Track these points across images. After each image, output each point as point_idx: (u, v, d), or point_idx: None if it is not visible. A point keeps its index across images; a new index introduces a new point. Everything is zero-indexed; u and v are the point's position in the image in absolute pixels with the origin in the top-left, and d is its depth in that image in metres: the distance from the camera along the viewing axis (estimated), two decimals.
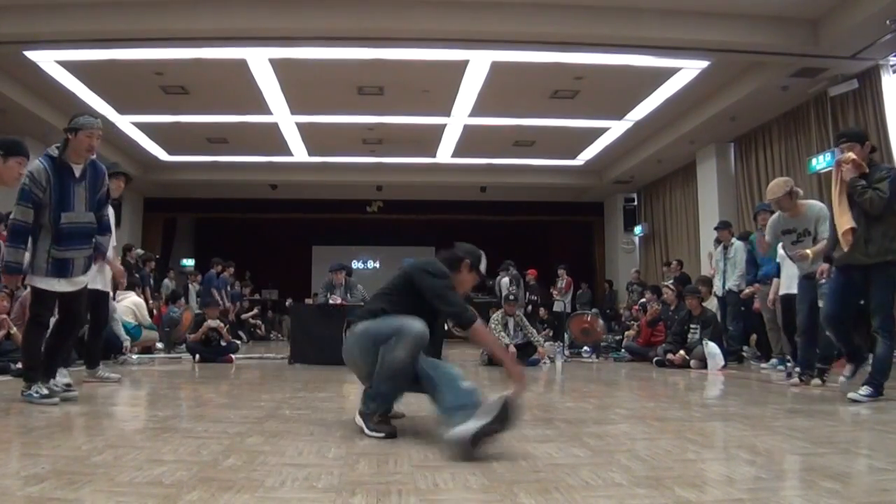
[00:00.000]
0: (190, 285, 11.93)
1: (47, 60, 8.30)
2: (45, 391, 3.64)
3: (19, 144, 3.48)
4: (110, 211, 4.41)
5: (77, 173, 3.76)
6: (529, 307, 11.37)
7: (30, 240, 3.67)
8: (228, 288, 11.70)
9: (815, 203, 5.12)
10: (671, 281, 9.08)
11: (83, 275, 3.87)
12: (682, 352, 6.91)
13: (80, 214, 3.77)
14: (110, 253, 4.70)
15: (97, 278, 4.61)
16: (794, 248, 4.96)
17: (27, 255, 3.66)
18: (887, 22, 6.49)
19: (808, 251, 4.75)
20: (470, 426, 2.29)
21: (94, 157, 3.88)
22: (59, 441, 2.60)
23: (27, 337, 3.85)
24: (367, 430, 2.72)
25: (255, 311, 13.77)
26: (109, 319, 6.89)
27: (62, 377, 4.16)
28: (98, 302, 4.84)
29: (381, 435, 2.66)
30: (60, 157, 3.72)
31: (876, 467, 2.24)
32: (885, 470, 2.19)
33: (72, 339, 4.17)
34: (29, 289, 6.09)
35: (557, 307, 11.62)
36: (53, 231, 3.66)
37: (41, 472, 2.00)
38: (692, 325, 7.07)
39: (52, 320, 3.96)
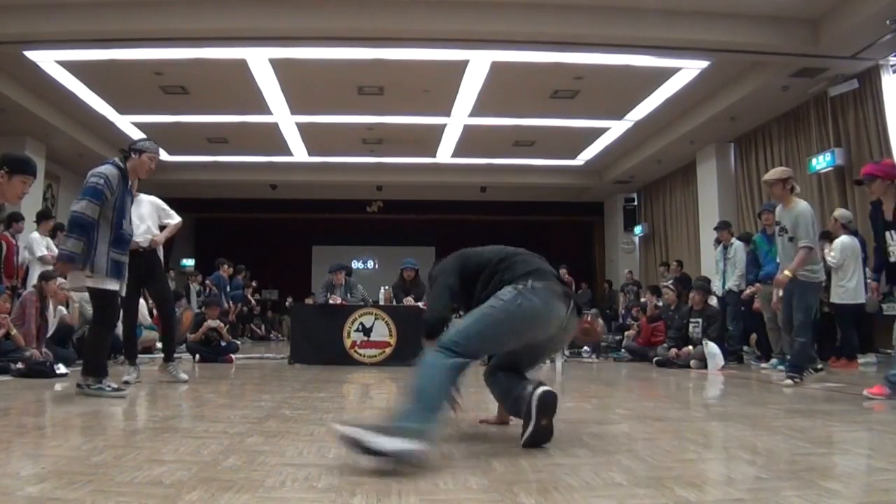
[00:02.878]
0: (190, 285, 11.94)
1: (47, 60, 8.30)
2: (115, 385, 3.91)
3: (27, 163, 3.49)
4: None
5: (128, 187, 4.09)
6: None
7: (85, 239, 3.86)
8: (228, 288, 11.71)
9: (801, 203, 5.08)
10: (671, 281, 9.07)
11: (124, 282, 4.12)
12: (689, 347, 6.88)
13: (128, 224, 4.11)
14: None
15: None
16: (778, 240, 5.19)
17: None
18: (887, 22, 6.49)
19: (787, 272, 4.82)
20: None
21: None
22: (59, 441, 2.60)
23: (99, 339, 4.05)
24: None
25: (254, 284, 13.56)
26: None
27: (129, 374, 4.73)
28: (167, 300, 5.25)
29: None
30: (125, 169, 4.04)
31: (876, 467, 2.24)
32: (885, 470, 2.19)
33: (110, 338, 4.38)
34: (31, 289, 6.14)
35: None
36: (114, 234, 3.91)
37: (41, 472, 2.00)
38: (692, 320, 7.05)
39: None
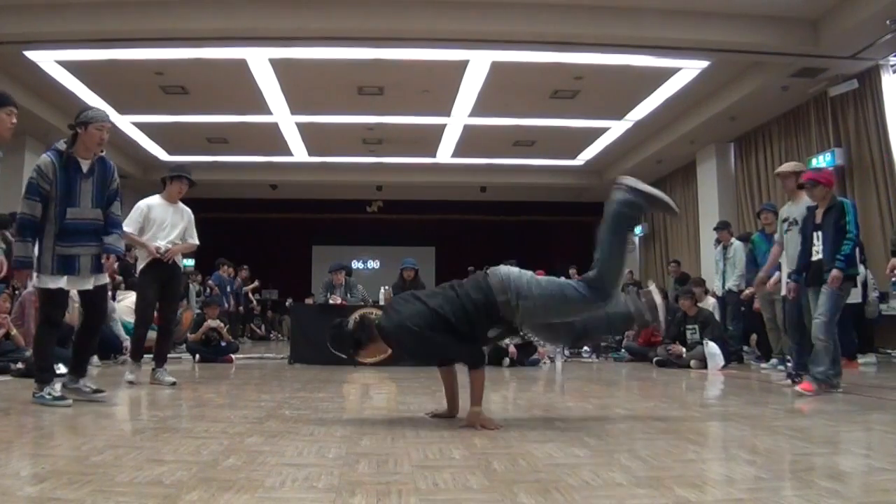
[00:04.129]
0: (191, 285, 11.91)
1: (47, 60, 8.31)
2: (58, 393, 3.61)
3: (4, 95, 3.47)
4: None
5: (84, 168, 3.72)
6: None
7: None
8: (229, 288, 11.70)
9: None
10: (653, 285, 9.08)
11: (93, 274, 3.77)
12: (682, 348, 6.90)
13: (85, 210, 3.69)
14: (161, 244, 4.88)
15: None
16: (786, 236, 5.19)
17: (35, 251, 3.62)
18: (887, 22, 6.50)
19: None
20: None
21: (103, 152, 3.85)
22: (59, 441, 2.60)
23: (39, 338, 3.79)
24: None
25: (257, 283, 13.50)
26: (109, 319, 6.92)
27: (131, 373, 4.64)
28: (173, 312, 5.21)
29: None
30: (68, 151, 3.67)
31: (876, 467, 2.24)
32: (885, 470, 2.19)
33: (97, 336, 4.19)
34: (32, 288, 6.13)
35: None
36: (58, 226, 3.60)
37: (41, 472, 2.00)
38: (688, 326, 7.06)
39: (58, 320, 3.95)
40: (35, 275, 3.64)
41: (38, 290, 3.82)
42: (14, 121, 3.41)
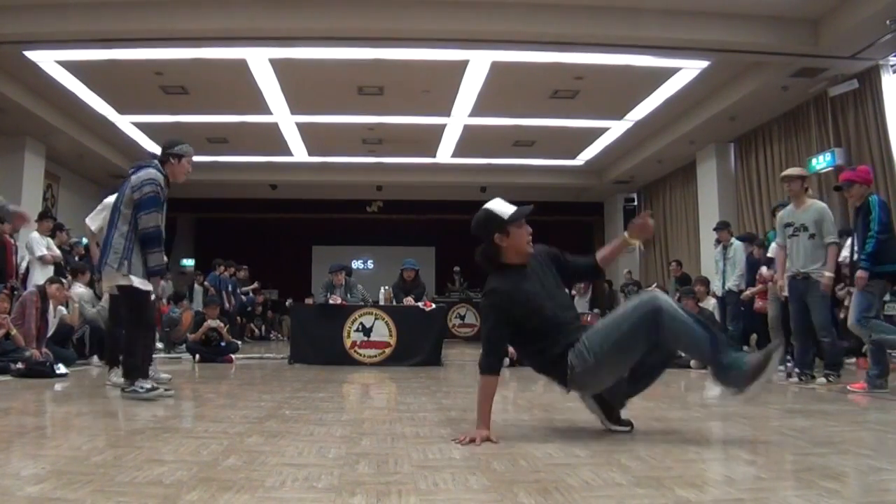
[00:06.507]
0: (197, 285, 11.90)
1: (47, 60, 8.30)
2: (149, 385, 3.89)
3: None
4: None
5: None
6: None
7: (123, 242, 3.85)
8: (230, 287, 11.71)
9: (818, 202, 5.20)
10: (654, 284, 9.10)
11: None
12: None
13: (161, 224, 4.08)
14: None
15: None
16: (791, 241, 5.15)
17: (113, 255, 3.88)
18: (887, 22, 6.49)
19: (828, 274, 4.83)
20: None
21: None
22: (59, 441, 2.60)
23: (135, 338, 3.97)
24: None
25: (256, 284, 13.51)
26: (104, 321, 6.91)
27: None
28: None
29: None
30: (165, 173, 4.05)
31: (876, 467, 2.24)
32: (885, 470, 2.19)
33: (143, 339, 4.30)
34: (33, 289, 6.14)
35: None
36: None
37: (41, 472, 2.00)
38: None
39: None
40: (130, 277, 3.85)
41: (126, 290, 3.93)
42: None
